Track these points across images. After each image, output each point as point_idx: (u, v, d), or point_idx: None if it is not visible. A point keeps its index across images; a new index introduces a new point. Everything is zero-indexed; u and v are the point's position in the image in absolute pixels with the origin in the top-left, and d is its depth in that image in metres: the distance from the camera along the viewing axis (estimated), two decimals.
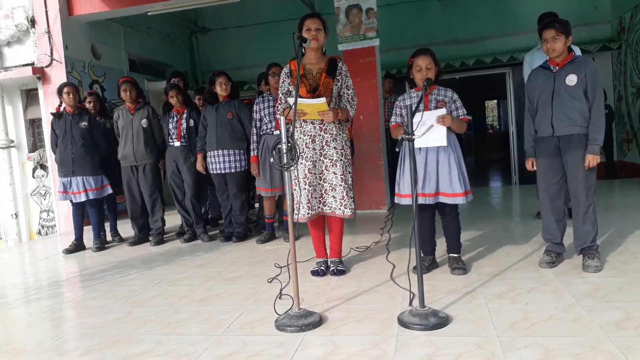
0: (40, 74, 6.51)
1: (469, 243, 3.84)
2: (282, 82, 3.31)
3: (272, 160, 2.62)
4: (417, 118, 2.92)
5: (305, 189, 3.19)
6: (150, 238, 5.03)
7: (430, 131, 2.97)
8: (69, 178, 4.80)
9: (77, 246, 4.92)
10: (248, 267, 3.72)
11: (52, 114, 4.90)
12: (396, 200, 3.23)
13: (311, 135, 3.19)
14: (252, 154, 4.47)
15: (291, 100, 3.07)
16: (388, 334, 2.27)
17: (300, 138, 3.22)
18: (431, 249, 3.28)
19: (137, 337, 2.48)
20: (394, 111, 3.25)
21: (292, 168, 2.51)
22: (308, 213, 3.19)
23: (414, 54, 3.08)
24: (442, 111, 2.94)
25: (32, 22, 6.54)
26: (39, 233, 7.09)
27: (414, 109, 2.99)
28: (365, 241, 4.21)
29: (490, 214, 5.11)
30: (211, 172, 4.71)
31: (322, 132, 3.19)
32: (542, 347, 1.99)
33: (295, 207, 3.29)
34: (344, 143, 3.26)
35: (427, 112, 2.97)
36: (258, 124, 4.45)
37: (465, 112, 3.13)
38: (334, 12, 5.79)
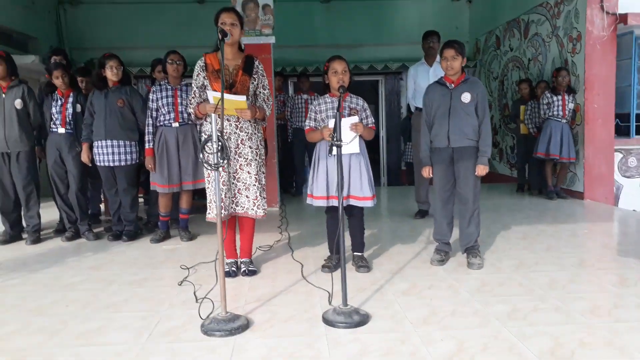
0: None
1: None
2: (197, 75, 3.23)
3: (200, 156, 2.57)
4: (332, 123, 3.10)
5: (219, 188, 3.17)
6: (25, 236, 4.53)
7: (345, 134, 3.16)
8: None
9: None
10: (150, 269, 3.57)
11: None
12: (308, 201, 3.37)
13: (227, 132, 3.18)
14: (147, 146, 4.25)
15: (209, 95, 3.02)
16: (317, 333, 2.40)
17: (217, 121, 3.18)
18: (338, 248, 3.48)
19: (48, 351, 2.28)
20: (308, 115, 3.38)
21: (218, 169, 2.50)
22: (221, 214, 3.18)
23: (330, 59, 3.25)
24: (355, 119, 3.14)
25: None
26: None
27: (331, 114, 3.19)
28: (267, 240, 4.29)
29: (372, 214, 5.51)
30: (98, 164, 4.38)
31: (238, 130, 3.20)
32: (455, 339, 2.29)
33: (208, 207, 3.26)
34: (259, 142, 3.30)
35: (344, 120, 3.14)
36: (154, 114, 4.24)
37: (373, 120, 3.38)
38: (230, 2, 5.71)
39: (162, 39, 9.21)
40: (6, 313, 2.76)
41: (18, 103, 4.33)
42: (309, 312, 2.66)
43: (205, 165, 2.54)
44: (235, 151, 3.20)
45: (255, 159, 3.26)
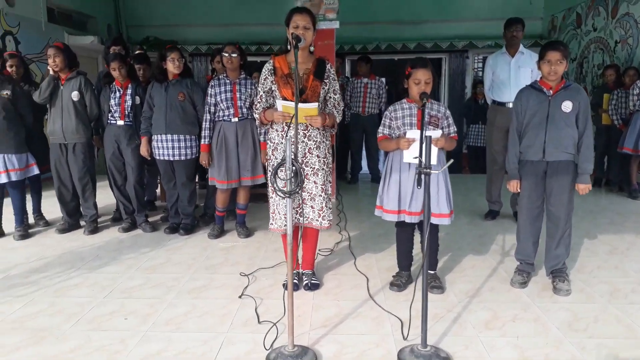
0: None
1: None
2: (265, 79, 2.99)
3: (274, 185, 2.34)
4: (413, 134, 2.80)
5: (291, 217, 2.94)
6: (83, 224, 4.52)
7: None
8: None
9: None
10: (208, 274, 3.44)
11: None
12: (377, 213, 3.11)
13: (293, 141, 2.92)
14: (203, 142, 4.08)
15: (278, 104, 2.78)
16: None
17: (281, 143, 2.95)
18: (408, 264, 3.22)
19: None
20: (382, 122, 3.07)
21: (293, 196, 2.27)
22: (285, 225, 2.96)
23: (413, 64, 2.89)
24: (438, 134, 2.80)
25: None
26: None
27: (408, 122, 2.87)
28: (326, 240, 4.07)
29: None
30: (157, 157, 4.27)
31: (306, 138, 2.95)
32: None
33: (270, 217, 3.05)
34: (326, 151, 3.04)
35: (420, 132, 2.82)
36: (212, 108, 4.06)
37: (456, 129, 3.03)
38: None
39: (220, 16, 9.04)
40: (67, 324, 2.68)
41: (75, 95, 4.24)
42: (382, 347, 2.43)
43: (278, 192, 2.31)
44: (302, 160, 2.96)
45: (323, 169, 3.01)
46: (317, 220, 3.05)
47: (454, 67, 9.35)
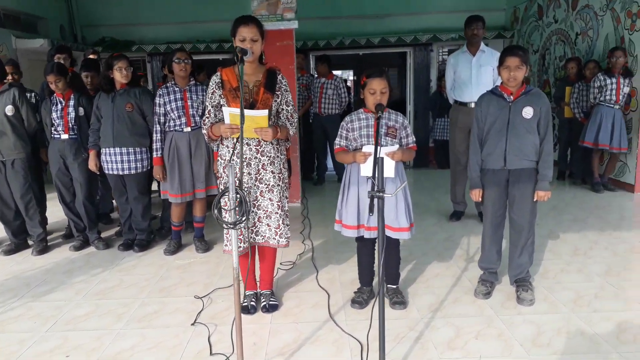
0: None
1: None
2: (212, 93, 2.81)
3: (214, 213, 2.16)
4: (369, 148, 2.67)
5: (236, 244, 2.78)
6: (31, 244, 4.26)
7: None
8: None
9: None
10: (161, 297, 3.26)
11: None
12: (337, 227, 2.98)
13: (246, 157, 2.77)
14: (155, 155, 3.88)
15: (225, 112, 2.60)
16: None
17: (234, 161, 2.78)
18: (369, 280, 3.10)
19: None
20: (339, 132, 2.92)
21: (242, 225, 2.11)
22: (239, 247, 2.81)
23: (368, 75, 2.76)
24: (394, 148, 2.68)
25: None
26: None
27: (365, 133, 2.74)
28: (289, 253, 3.93)
29: None
30: (106, 172, 4.04)
31: (259, 154, 2.79)
32: None
33: (225, 237, 2.89)
34: (281, 166, 2.89)
35: (383, 148, 2.69)
36: (162, 119, 3.86)
37: (414, 139, 2.92)
38: None
39: (179, 14, 8.72)
40: None
41: (9, 109, 3.97)
42: None
43: (221, 224, 2.15)
44: (256, 177, 2.80)
45: (278, 184, 2.86)
46: (274, 238, 2.90)
47: (419, 60, 9.24)
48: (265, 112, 2.53)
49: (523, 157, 2.87)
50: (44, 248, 4.22)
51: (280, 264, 3.73)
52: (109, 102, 3.92)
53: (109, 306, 3.14)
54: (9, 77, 4.30)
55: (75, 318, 2.99)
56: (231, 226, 2.10)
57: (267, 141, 2.76)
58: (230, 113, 2.58)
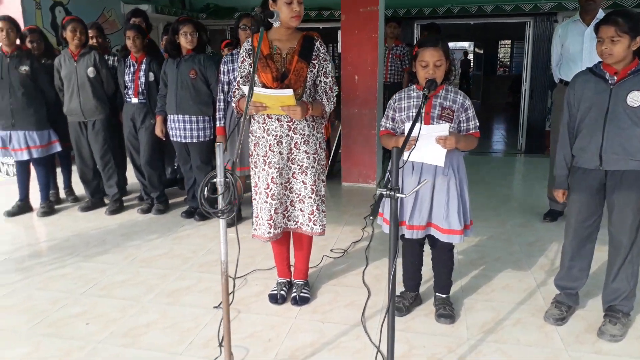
0: None
1: (459, 255, 3.28)
2: (242, 62, 2.55)
3: (201, 201, 1.92)
4: (416, 129, 2.22)
5: (266, 202, 2.54)
6: (107, 202, 4.44)
7: (427, 143, 2.27)
8: (8, 132, 4.11)
9: (21, 208, 4.34)
10: (199, 272, 3.15)
11: None
12: (379, 221, 2.60)
13: (276, 135, 2.48)
14: (217, 124, 3.76)
15: (244, 89, 2.35)
16: None
17: (263, 138, 2.52)
18: (415, 284, 2.69)
19: None
20: (385, 113, 2.52)
21: (226, 216, 1.86)
22: (269, 232, 2.56)
23: (420, 43, 2.30)
24: (444, 130, 2.21)
25: None
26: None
27: (413, 115, 2.31)
28: (345, 237, 3.63)
29: (486, 206, 4.46)
30: (171, 138, 4.02)
31: (291, 131, 2.49)
32: None
33: (254, 221, 2.66)
34: (317, 146, 2.56)
35: (426, 127, 2.25)
36: (226, 87, 3.71)
37: (478, 124, 2.41)
38: None
39: None
40: (26, 325, 2.51)
41: (91, 71, 4.06)
42: None
43: (205, 210, 1.90)
44: (288, 157, 2.51)
45: (313, 166, 2.54)
46: (308, 225, 2.61)
47: (540, 32, 8.15)
48: (290, 91, 2.20)
49: (626, 156, 2.22)
50: (117, 208, 4.36)
51: (331, 250, 3.44)
52: (174, 68, 3.85)
53: (147, 275, 3.10)
54: (92, 40, 4.41)
55: (112, 284, 2.99)
56: (218, 214, 1.85)
57: (297, 119, 2.45)
58: (255, 91, 2.30)
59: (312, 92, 2.53)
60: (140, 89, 4.07)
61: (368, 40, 4.89)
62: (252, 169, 2.62)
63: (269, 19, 2.29)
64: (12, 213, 4.26)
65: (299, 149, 2.51)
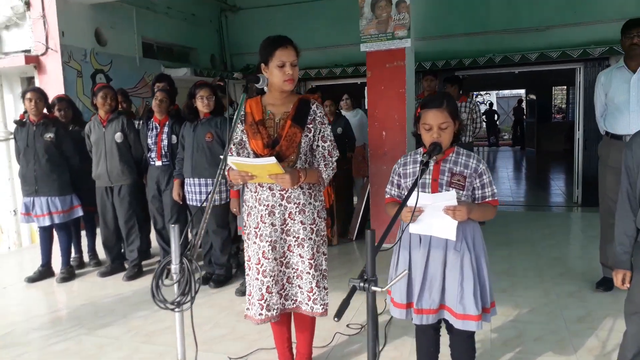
0: (36, 62, 5.88)
1: (492, 332, 2.85)
2: (235, 128, 2.40)
3: (153, 291, 1.71)
4: (420, 199, 1.95)
5: (257, 279, 2.30)
6: (127, 266, 4.35)
7: (435, 214, 1.98)
8: (31, 198, 4.15)
9: (42, 273, 4.32)
10: (201, 350, 2.90)
11: (15, 122, 4.22)
12: (387, 300, 2.29)
13: (268, 205, 2.28)
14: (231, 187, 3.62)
15: (229, 160, 2.17)
16: None
17: (255, 208, 2.32)
18: None
19: None
20: (390, 178, 2.26)
21: (182, 308, 1.64)
22: (260, 314, 2.30)
23: (423, 104, 2.07)
24: (452, 199, 1.92)
25: (28, 4, 5.87)
26: None
27: (420, 182, 2.03)
28: (362, 312, 3.29)
29: (529, 270, 3.99)
30: (187, 202, 3.92)
31: (284, 200, 2.28)
32: None
33: (247, 299, 2.41)
34: (315, 215, 2.33)
35: (430, 196, 1.97)
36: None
37: (495, 190, 2.10)
38: (358, 3, 4.72)
39: (316, 40, 8.67)
40: None
41: (118, 136, 4.09)
42: None
43: (158, 302, 1.70)
44: (282, 229, 2.29)
45: (310, 237, 2.30)
46: (307, 304, 2.34)
47: (591, 79, 7.68)
48: (273, 159, 2.01)
49: None
50: (135, 274, 4.26)
51: (347, 325, 3.11)
52: (191, 132, 3.80)
53: (145, 353, 2.90)
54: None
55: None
56: (171, 306, 1.62)
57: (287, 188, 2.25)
58: (233, 162, 2.13)
59: (309, 158, 2.32)
60: (163, 151, 4.05)
61: (396, 95, 4.70)
62: (245, 241, 2.41)
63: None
64: (32, 279, 4.24)
65: (294, 220, 2.28)
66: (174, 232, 1.65)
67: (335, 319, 1.32)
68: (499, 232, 5.20)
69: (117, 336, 3.14)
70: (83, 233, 4.69)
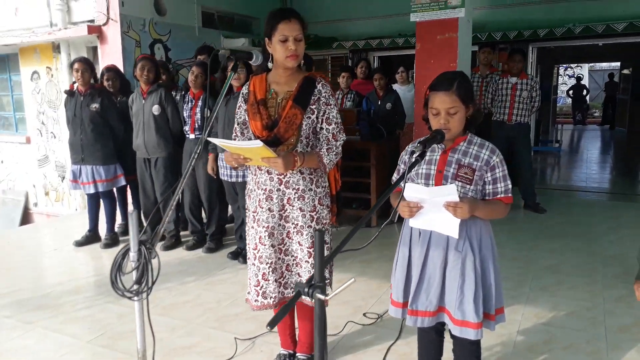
0: (98, 32, 6.08)
1: (519, 335, 2.60)
2: (239, 108, 2.29)
3: (113, 279, 1.65)
4: (413, 191, 1.76)
5: (254, 264, 2.22)
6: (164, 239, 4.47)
7: (437, 209, 1.78)
8: (78, 166, 4.33)
9: (89, 238, 4.53)
10: (210, 328, 2.91)
11: (65, 92, 4.38)
12: (391, 299, 2.12)
13: (266, 189, 2.17)
14: None
15: (218, 143, 2.06)
16: None
17: (254, 191, 2.22)
18: None
19: None
20: (397, 166, 2.06)
21: (139, 298, 1.58)
22: (256, 300, 2.23)
23: (432, 85, 1.84)
24: (453, 194, 1.69)
25: None
26: None
27: (424, 171, 1.84)
28: (382, 299, 3.13)
29: (579, 269, 3.60)
30: (221, 177, 3.91)
31: (283, 185, 2.15)
32: None
33: (248, 282, 2.35)
34: (316, 202, 2.18)
35: (429, 190, 1.76)
36: None
37: (509, 187, 1.84)
38: None
39: (380, 8, 8.29)
40: None
41: (156, 109, 4.11)
42: None
43: (117, 290, 1.65)
44: (280, 215, 2.18)
45: (310, 225, 2.17)
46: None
47: None
48: (258, 142, 1.87)
49: None
50: (172, 244, 4.36)
51: (364, 314, 2.98)
52: (224, 106, 3.74)
53: (158, 327, 2.88)
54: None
55: (120, 334, 2.87)
56: (129, 294, 1.57)
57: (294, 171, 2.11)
58: (221, 144, 2.03)
59: (313, 142, 2.17)
60: (196, 124, 4.04)
61: (446, 69, 4.35)
62: (246, 224, 2.33)
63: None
64: (80, 243, 4.46)
65: (293, 206, 2.16)
66: (131, 219, 1.58)
67: (268, 327, 1.20)
68: (557, 223, 4.77)
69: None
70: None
